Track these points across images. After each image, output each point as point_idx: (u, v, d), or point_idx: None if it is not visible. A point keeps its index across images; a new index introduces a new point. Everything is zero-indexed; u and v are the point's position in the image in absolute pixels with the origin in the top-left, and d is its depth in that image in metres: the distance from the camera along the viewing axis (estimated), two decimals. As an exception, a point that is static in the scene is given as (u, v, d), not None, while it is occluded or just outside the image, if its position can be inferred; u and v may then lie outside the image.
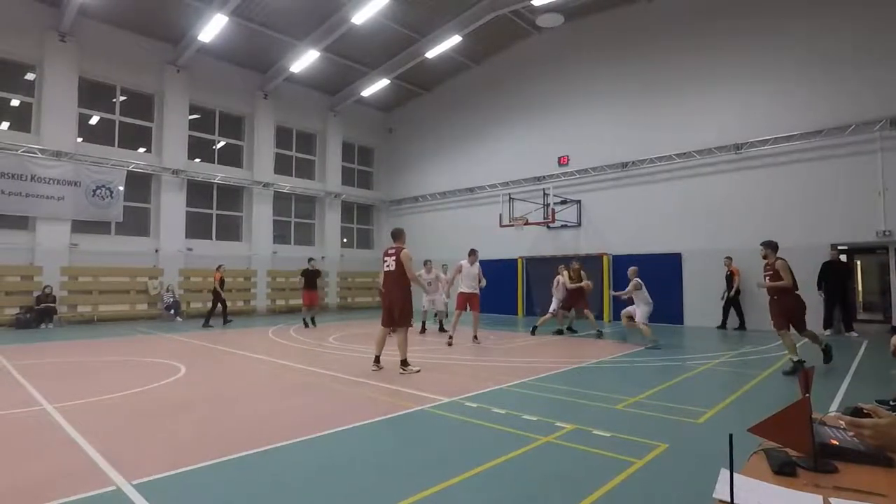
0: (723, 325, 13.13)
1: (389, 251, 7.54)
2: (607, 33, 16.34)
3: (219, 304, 14.25)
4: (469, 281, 10.60)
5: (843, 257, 12.44)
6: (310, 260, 14.67)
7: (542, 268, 16.92)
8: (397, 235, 7.68)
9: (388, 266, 7.45)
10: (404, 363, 7.25)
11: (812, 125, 12.30)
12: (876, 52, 11.62)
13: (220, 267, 14.53)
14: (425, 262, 12.62)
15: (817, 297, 11.80)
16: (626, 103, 15.76)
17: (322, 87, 20.93)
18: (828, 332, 11.63)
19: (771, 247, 7.42)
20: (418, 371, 7.20)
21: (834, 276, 11.64)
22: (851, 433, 1.48)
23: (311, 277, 14.13)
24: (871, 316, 16.65)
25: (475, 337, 10.55)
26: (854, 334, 11.41)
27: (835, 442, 1.45)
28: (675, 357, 8.58)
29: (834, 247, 11.98)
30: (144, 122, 16.91)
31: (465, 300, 10.52)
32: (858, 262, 16.74)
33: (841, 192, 11.96)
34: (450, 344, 9.93)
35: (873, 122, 11.52)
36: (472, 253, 10.89)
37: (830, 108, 12.13)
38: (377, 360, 7.43)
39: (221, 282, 14.21)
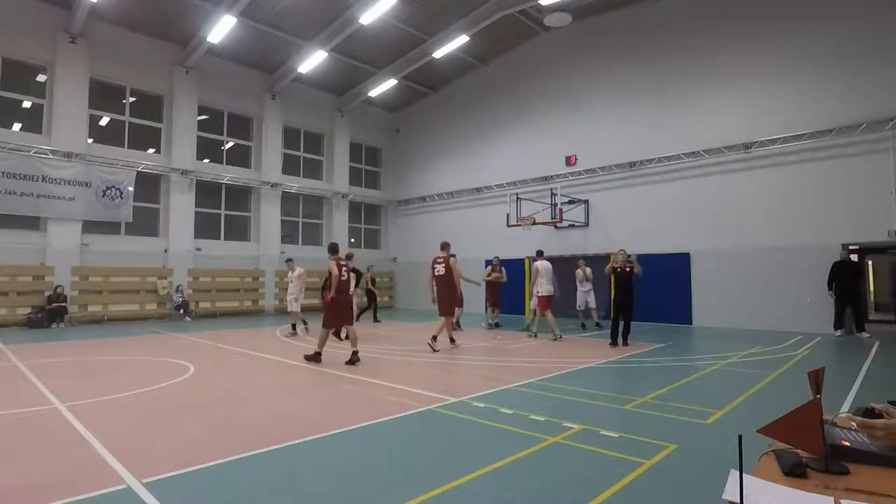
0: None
1: (340, 262, 8.45)
2: (615, 32, 16.27)
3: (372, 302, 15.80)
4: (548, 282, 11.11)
5: (855, 257, 12.30)
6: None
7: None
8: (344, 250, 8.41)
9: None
10: (355, 354, 8.02)
11: (823, 124, 12.17)
12: (887, 51, 11.48)
13: (370, 268, 16.18)
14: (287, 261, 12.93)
15: (828, 298, 11.72)
16: (635, 102, 15.68)
17: (330, 87, 21.00)
18: (839, 332, 11.53)
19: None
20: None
21: (845, 276, 11.50)
22: (863, 434, 1.47)
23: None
24: (882, 316, 16.46)
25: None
26: (865, 335, 11.28)
27: (846, 443, 1.44)
28: (683, 357, 8.53)
29: (845, 246, 11.85)
30: (154, 123, 17.04)
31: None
32: (870, 262, 16.56)
33: (852, 191, 11.83)
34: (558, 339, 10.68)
35: (885, 120, 11.38)
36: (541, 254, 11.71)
37: (841, 106, 12.00)
38: (317, 356, 7.98)
39: (372, 281, 15.80)
